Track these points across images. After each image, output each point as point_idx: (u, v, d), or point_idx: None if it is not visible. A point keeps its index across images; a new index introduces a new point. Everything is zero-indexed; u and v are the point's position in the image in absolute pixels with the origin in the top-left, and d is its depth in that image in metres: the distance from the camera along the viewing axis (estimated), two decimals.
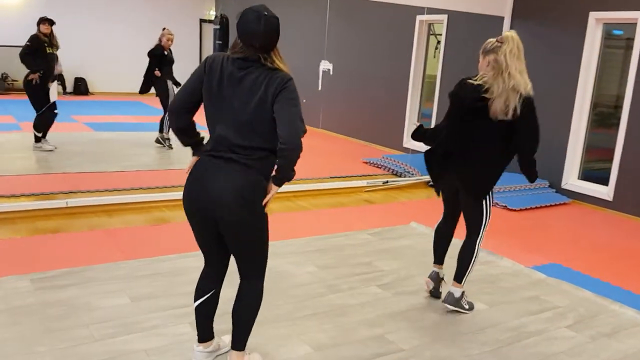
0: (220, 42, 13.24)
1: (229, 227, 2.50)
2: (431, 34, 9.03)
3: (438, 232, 3.78)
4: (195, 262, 4.03)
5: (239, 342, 2.68)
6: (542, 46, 7.04)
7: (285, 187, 6.22)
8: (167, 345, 2.98)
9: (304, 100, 12.08)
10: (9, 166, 6.62)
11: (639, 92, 6.19)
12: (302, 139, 2.40)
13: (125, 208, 5.37)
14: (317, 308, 3.55)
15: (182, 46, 15.23)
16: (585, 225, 5.94)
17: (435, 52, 8.92)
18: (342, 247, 4.68)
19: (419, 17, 8.85)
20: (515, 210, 6.23)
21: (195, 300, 2.73)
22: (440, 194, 3.68)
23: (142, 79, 8.18)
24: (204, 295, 2.71)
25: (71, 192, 5.61)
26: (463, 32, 8.16)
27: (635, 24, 6.21)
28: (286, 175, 2.45)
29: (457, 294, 3.58)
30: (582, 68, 6.65)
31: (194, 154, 2.59)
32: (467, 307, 3.65)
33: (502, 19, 7.40)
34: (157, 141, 8.33)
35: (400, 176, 7.45)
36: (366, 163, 8.26)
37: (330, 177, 7.02)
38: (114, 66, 14.76)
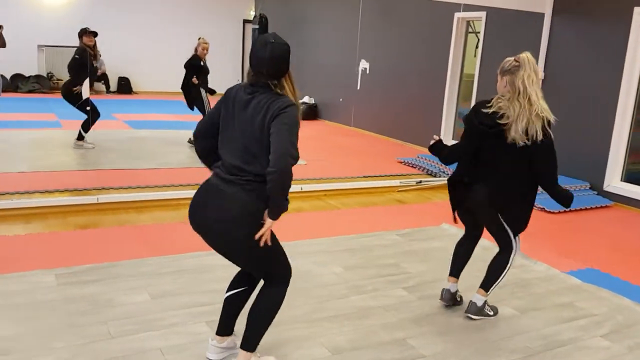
0: None
1: (230, 249, 2.56)
2: (470, 32, 8.82)
3: (458, 247, 3.63)
4: (221, 259, 3.96)
5: (247, 341, 2.64)
6: (583, 43, 6.78)
7: (316, 186, 6.24)
8: (183, 344, 2.94)
9: (341, 100, 12.04)
10: (46, 162, 6.75)
11: None
12: (292, 166, 2.35)
13: (156, 205, 5.39)
14: (338, 310, 3.47)
15: (225, 46, 15.45)
16: (627, 229, 5.67)
17: (475, 50, 8.70)
18: (370, 248, 4.58)
19: (457, 15, 8.67)
20: (553, 213, 6.00)
21: (226, 292, 2.77)
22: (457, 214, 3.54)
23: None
24: (235, 289, 2.76)
25: (103, 188, 5.68)
26: (502, 30, 7.94)
27: None
28: (277, 204, 2.38)
29: (480, 303, 3.42)
30: (626, 65, 6.34)
31: None
32: (491, 312, 3.51)
33: (542, 15, 7.15)
34: (190, 141, 8.38)
35: (435, 176, 7.29)
36: (400, 162, 8.12)
37: (363, 177, 6.91)
38: (158, 65, 14.96)
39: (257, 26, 13.29)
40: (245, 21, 16.02)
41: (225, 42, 15.64)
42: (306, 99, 12.71)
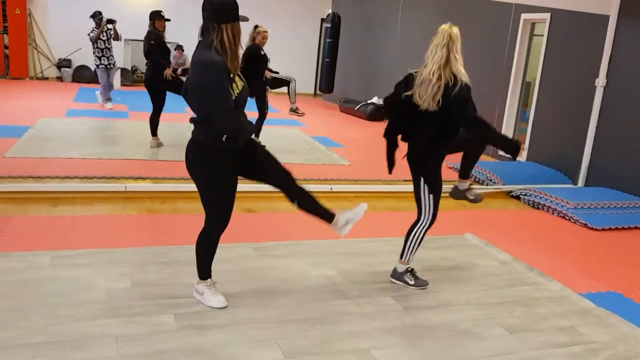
0: (330, 39, 13.21)
1: (194, 180, 3.19)
2: (536, 35, 8.38)
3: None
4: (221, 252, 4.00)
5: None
6: None
7: (346, 187, 6.13)
8: (140, 334, 2.97)
9: None
10: (95, 150, 7.06)
11: None
12: (230, 111, 2.93)
13: (181, 196, 5.49)
14: (312, 313, 3.38)
15: (303, 44, 15.59)
16: None
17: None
18: (375, 253, 4.43)
19: (523, 16, 8.25)
20: (596, 230, 5.56)
21: None
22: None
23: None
24: None
25: (140, 178, 5.86)
26: (566, 32, 7.46)
27: None
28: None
29: (400, 269, 3.82)
30: None
31: None
32: (411, 282, 3.80)
33: (607, 17, 6.66)
34: None
35: (481, 184, 6.97)
36: (451, 168, 7.82)
37: (393, 181, 6.59)
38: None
39: (329, 25, 13.28)
40: (323, 20, 16.09)
41: (303, 39, 15.80)
42: (375, 100, 12.58)
